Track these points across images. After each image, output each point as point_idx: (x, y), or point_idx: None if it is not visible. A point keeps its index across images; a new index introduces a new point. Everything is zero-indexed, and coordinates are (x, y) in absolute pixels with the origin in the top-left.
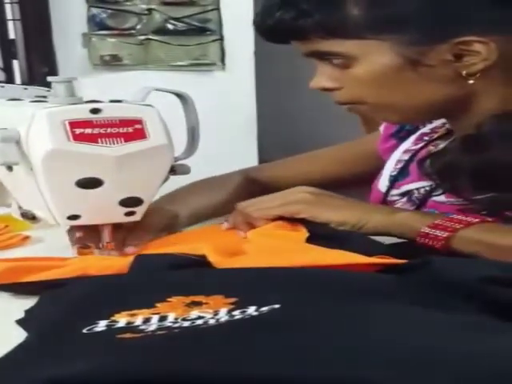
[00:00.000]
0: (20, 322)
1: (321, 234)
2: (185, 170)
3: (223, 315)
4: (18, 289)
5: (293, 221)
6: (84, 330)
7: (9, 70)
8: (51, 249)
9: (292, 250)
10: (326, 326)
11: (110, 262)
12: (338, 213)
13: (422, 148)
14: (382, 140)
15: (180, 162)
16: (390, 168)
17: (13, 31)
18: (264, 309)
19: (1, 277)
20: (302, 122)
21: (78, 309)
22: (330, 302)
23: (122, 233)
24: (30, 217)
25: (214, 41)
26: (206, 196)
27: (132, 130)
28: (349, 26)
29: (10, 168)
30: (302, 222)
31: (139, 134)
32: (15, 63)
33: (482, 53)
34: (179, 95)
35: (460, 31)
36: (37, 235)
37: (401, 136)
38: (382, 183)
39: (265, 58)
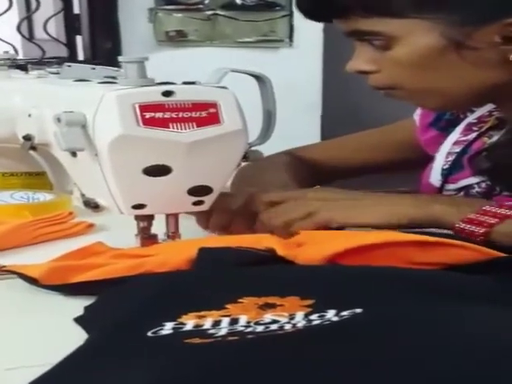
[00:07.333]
0: (79, 320)
1: None
2: (257, 156)
3: (300, 319)
4: (71, 289)
5: None
6: (149, 333)
7: (72, 46)
8: (115, 237)
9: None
10: (417, 337)
11: (164, 259)
12: (370, 213)
13: (475, 139)
14: (420, 130)
15: (253, 148)
16: (440, 161)
17: (77, 6)
18: (345, 313)
19: (52, 277)
20: (367, 101)
21: (143, 309)
22: (418, 304)
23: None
24: (92, 205)
25: (283, 16)
26: (277, 175)
27: (206, 114)
28: (393, 3)
29: (73, 154)
30: None
31: (213, 118)
32: (78, 39)
33: None
34: (257, 76)
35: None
36: (101, 223)
37: (441, 126)
38: (434, 177)
39: (333, 35)
